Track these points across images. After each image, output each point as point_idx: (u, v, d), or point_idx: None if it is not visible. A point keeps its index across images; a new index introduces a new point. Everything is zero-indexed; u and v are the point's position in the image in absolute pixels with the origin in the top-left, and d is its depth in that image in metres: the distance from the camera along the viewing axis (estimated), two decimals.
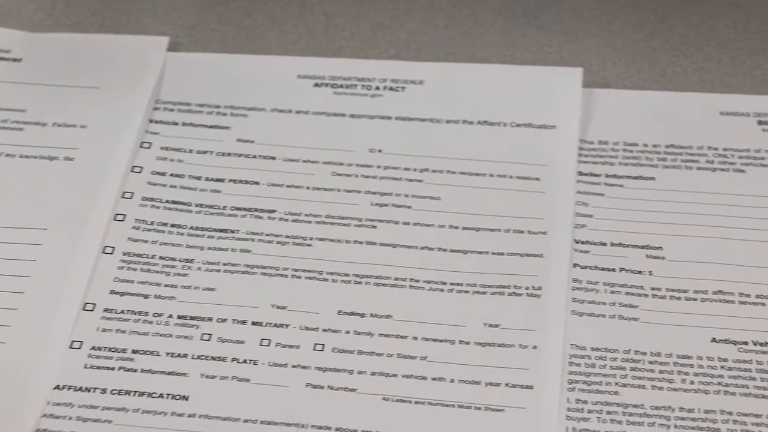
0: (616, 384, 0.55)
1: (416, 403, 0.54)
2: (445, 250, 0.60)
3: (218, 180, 0.62)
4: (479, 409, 0.54)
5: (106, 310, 0.57)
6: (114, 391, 0.54)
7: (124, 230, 0.60)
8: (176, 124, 0.64)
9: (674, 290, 0.58)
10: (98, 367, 0.55)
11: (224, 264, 0.59)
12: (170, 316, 0.57)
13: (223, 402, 0.54)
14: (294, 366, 0.55)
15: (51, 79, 0.66)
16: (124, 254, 0.59)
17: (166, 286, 0.58)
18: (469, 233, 0.60)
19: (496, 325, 0.57)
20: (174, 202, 0.61)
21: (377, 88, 0.65)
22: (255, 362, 0.56)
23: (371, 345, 0.56)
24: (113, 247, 0.59)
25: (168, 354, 0.56)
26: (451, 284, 0.58)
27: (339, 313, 0.57)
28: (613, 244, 0.60)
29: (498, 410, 0.54)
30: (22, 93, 0.65)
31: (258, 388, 0.55)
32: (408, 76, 0.66)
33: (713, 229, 0.60)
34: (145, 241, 0.60)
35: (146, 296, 0.58)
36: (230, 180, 0.62)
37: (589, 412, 0.54)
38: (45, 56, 0.67)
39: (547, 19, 0.69)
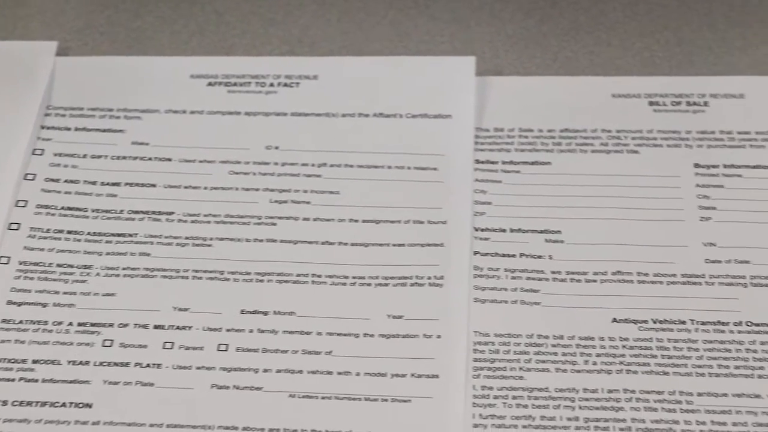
0: (521, 369, 0.55)
1: (323, 398, 0.54)
2: (345, 244, 0.59)
3: (114, 184, 0.61)
4: (386, 401, 0.54)
5: (3, 321, 0.56)
6: (15, 403, 0.54)
7: (19, 239, 0.59)
8: (69, 129, 0.64)
9: (574, 273, 0.58)
10: None
11: (123, 269, 0.58)
12: (70, 323, 0.56)
13: (127, 408, 0.54)
14: (198, 368, 0.55)
15: None
16: (21, 263, 0.58)
17: (64, 293, 0.57)
18: (370, 226, 0.60)
19: (400, 317, 0.57)
20: (69, 209, 0.60)
21: (271, 84, 0.65)
22: (158, 366, 0.55)
23: (275, 342, 0.56)
24: (8, 257, 0.58)
25: (69, 362, 0.55)
26: (354, 278, 0.58)
27: (242, 312, 0.57)
28: (512, 230, 0.60)
29: (405, 401, 0.54)
30: None
31: (162, 391, 0.54)
32: (302, 72, 0.66)
33: (610, 210, 0.60)
34: (42, 249, 0.59)
35: (45, 305, 0.57)
36: (126, 183, 0.61)
37: (495, 398, 0.54)
38: None
39: (438, 9, 0.69)
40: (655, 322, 0.56)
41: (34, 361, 0.55)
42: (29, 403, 0.54)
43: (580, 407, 0.54)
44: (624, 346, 0.56)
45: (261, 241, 0.59)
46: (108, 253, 0.59)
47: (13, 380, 0.54)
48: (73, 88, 0.65)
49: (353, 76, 0.65)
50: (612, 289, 0.58)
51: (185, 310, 0.57)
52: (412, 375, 0.55)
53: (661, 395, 0.54)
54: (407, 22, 0.68)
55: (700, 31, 0.67)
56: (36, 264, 0.58)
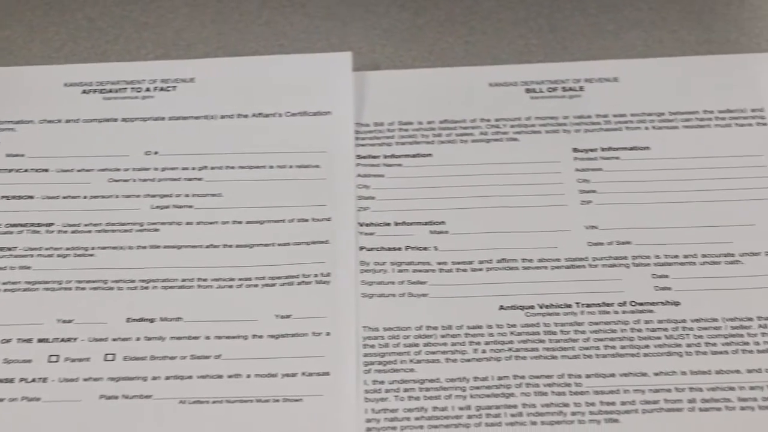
0: (411, 361, 0.55)
1: (214, 402, 0.54)
2: (230, 246, 0.59)
3: None
4: (278, 401, 0.54)
5: None
6: None
7: None
8: None
9: (460, 263, 0.58)
10: None
11: (3, 283, 0.57)
12: None
13: (13, 424, 0.53)
14: (85, 379, 0.54)
15: None
16: None
17: None
18: (254, 227, 0.60)
19: (288, 316, 0.57)
20: None
21: (147, 89, 0.64)
22: (44, 380, 0.54)
23: (163, 349, 0.56)
24: None
25: None
26: (240, 279, 0.58)
27: (128, 320, 0.56)
28: (397, 224, 0.60)
29: (296, 400, 0.54)
30: None
31: (50, 405, 0.53)
32: (178, 75, 0.65)
33: (492, 198, 0.61)
34: None
35: None
36: (2, 197, 0.60)
37: (387, 391, 0.54)
38: None
39: (313, 6, 0.69)
40: (541, 307, 0.57)
41: None
42: None
43: (471, 396, 0.54)
44: (512, 333, 0.56)
45: (144, 247, 0.59)
46: None
47: None
48: None
49: (230, 77, 0.65)
50: (498, 276, 0.58)
51: (69, 321, 0.56)
52: (303, 374, 0.55)
53: (550, 379, 0.54)
54: (282, 21, 0.68)
55: (573, 18, 0.68)
56: None
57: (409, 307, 0.57)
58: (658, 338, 0.55)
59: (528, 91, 0.65)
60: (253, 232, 0.60)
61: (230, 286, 0.58)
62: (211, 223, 0.60)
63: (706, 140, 0.62)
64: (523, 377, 0.55)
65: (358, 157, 0.62)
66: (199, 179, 0.61)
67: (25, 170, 0.61)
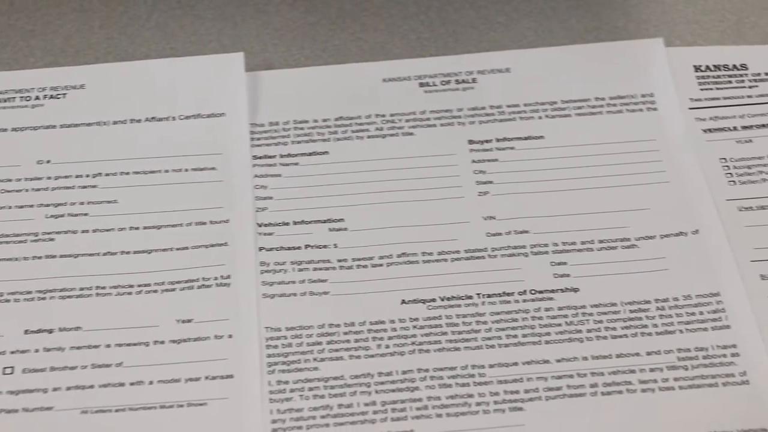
0: (315, 360, 0.55)
1: (117, 411, 0.53)
2: (128, 252, 0.58)
3: None
4: (182, 406, 0.54)
5: None
6: None
7: None
8: None
9: (360, 259, 0.58)
10: None
11: None
12: None
13: None
14: None
15: None
16: None
17: None
18: (151, 232, 0.59)
19: (189, 320, 0.56)
20: None
21: (37, 98, 0.63)
22: None
23: (63, 360, 0.55)
24: None
25: None
26: (139, 286, 0.57)
27: (26, 332, 0.56)
28: (296, 223, 0.60)
29: (201, 404, 0.54)
30: None
31: None
32: (68, 82, 0.64)
33: (390, 194, 0.61)
34: None
35: None
36: None
37: (291, 391, 0.54)
38: None
39: (203, 8, 0.68)
40: (443, 300, 0.57)
41: None
42: None
43: (377, 391, 0.54)
44: (414, 327, 0.56)
45: (40, 258, 0.58)
46: None
47: None
48: None
49: (121, 83, 0.64)
50: (398, 271, 0.58)
51: None
52: (207, 377, 0.54)
53: (454, 371, 0.55)
54: (173, 24, 0.67)
55: (464, 10, 0.68)
56: None
57: (310, 305, 0.57)
58: (559, 325, 0.56)
59: (422, 85, 0.65)
60: (150, 238, 0.59)
61: (129, 293, 0.57)
62: (107, 230, 0.59)
63: (599, 127, 0.63)
64: (427, 370, 0.55)
65: (255, 157, 0.62)
66: (94, 186, 0.61)
67: None
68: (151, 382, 0.54)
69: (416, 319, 0.56)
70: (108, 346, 0.55)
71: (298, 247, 0.59)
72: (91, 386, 0.54)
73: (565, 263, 0.58)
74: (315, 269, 0.58)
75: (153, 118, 0.63)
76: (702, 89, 0.64)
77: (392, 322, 0.56)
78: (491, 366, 0.55)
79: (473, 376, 0.54)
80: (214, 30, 0.67)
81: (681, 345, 0.55)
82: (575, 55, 0.65)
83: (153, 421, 0.53)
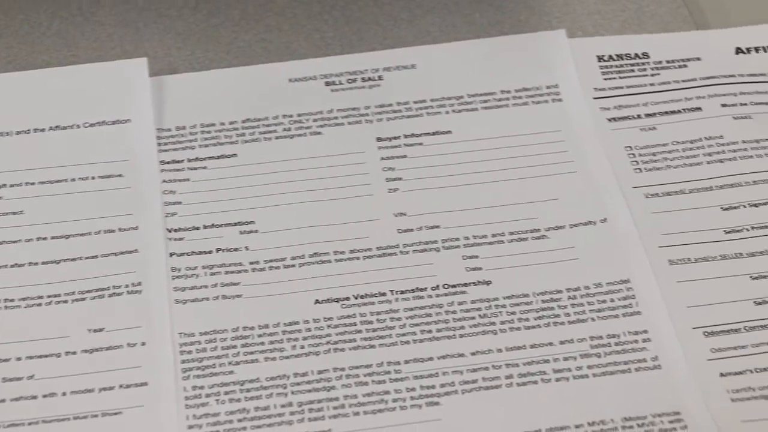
0: (230, 363, 0.55)
1: (30, 424, 0.53)
2: (36, 263, 0.58)
3: None
4: (96, 416, 0.53)
5: None
6: None
7: None
8: None
9: (272, 261, 0.58)
10: None
11: None
12: None
13: None
14: None
15: None
16: None
17: None
18: (59, 242, 0.58)
19: (101, 329, 0.56)
20: None
21: None
22: None
23: None
24: None
25: None
26: (48, 297, 0.57)
27: None
28: (206, 227, 0.59)
29: (116, 413, 0.53)
30: None
31: None
32: None
33: (300, 194, 0.61)
34: None
35: None
36: None
37: (207, 396, 0.54)
38: None
39: (104, 14, 0.67)
40: (356, 298, 0.57)
41: None
42: None
43: (293, 392, 0.54)
44: (329, 326, 0.56)
45: None
46: None
47: None
48: None
49: (23, 92, 0.63)
50: (311, 271, 0.58)
51: None
52: (121, 386, 0.54)
53: (369, 368, 0.55)
54: (74, 31, 0.67)
55: (368, 8, 0.68)
56: None
57: (224, 309, 0.57)
58: (473, 318, 0.56)
59: (328, 84, 0.65)
60: (58, 248, 0.58)
61: (39, 305, 0.56)
62: (14, 241, 0.58)
63: (505, 120, 0.63)
64: (343, 369, 0.55)
65: (162, 162, 0.62)
66: None
67: None
68: (64, 394, 0.54)
69: (330, 319, 0.56)
70: (18, 359, 0.55)
71: (209, 251, 0.59)
72: (3, 400, 0.53)
73: (476, 256, 0.58)
74: (227, 273, 0.58)
75: (57, 126, 0.62)
76: (605, 79, 0.65)
77: (306, 322, 0.56)
78: (407, 362, 0.55)
79: (389, 372, 0.55)
80: (117, 36, 0.67)
81: (593, 333, 0.56)
82: (480, 49, 0.66)
83: None
